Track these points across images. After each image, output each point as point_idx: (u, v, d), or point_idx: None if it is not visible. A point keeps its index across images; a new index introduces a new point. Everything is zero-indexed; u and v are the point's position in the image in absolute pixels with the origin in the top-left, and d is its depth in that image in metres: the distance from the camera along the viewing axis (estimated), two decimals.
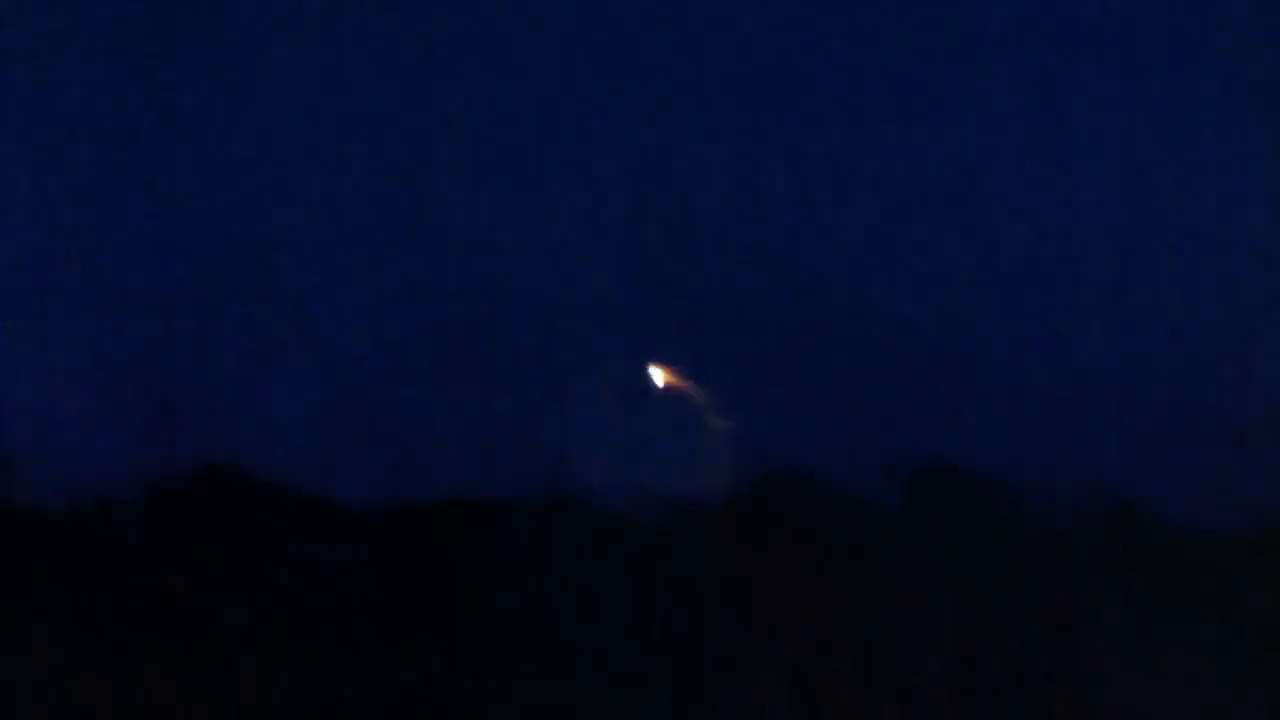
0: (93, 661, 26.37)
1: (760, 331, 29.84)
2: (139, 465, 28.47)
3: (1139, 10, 30.64)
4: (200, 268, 29.29)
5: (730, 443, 28.75)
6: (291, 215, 29.38)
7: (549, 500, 28.23)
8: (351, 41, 30.90)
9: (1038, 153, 30.05)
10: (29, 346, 28.34)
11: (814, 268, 29.68)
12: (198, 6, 30.39)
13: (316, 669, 27.29)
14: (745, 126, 30.41)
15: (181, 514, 28.55)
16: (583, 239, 30.03)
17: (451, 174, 30.51)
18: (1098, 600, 28.57)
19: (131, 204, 29.12)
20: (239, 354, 28.85)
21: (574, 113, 31.30)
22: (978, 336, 29.31)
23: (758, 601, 28.23)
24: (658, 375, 29.35)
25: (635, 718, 27.25)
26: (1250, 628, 27.78)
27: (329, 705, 26.41)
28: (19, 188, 29.36)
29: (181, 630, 27.46)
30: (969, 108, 30.85)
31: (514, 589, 27.22)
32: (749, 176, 29.90)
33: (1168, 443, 28.64)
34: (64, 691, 25.46)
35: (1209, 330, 29.48)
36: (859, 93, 30.57)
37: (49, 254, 28.77)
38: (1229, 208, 29.43)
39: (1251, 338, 28.84)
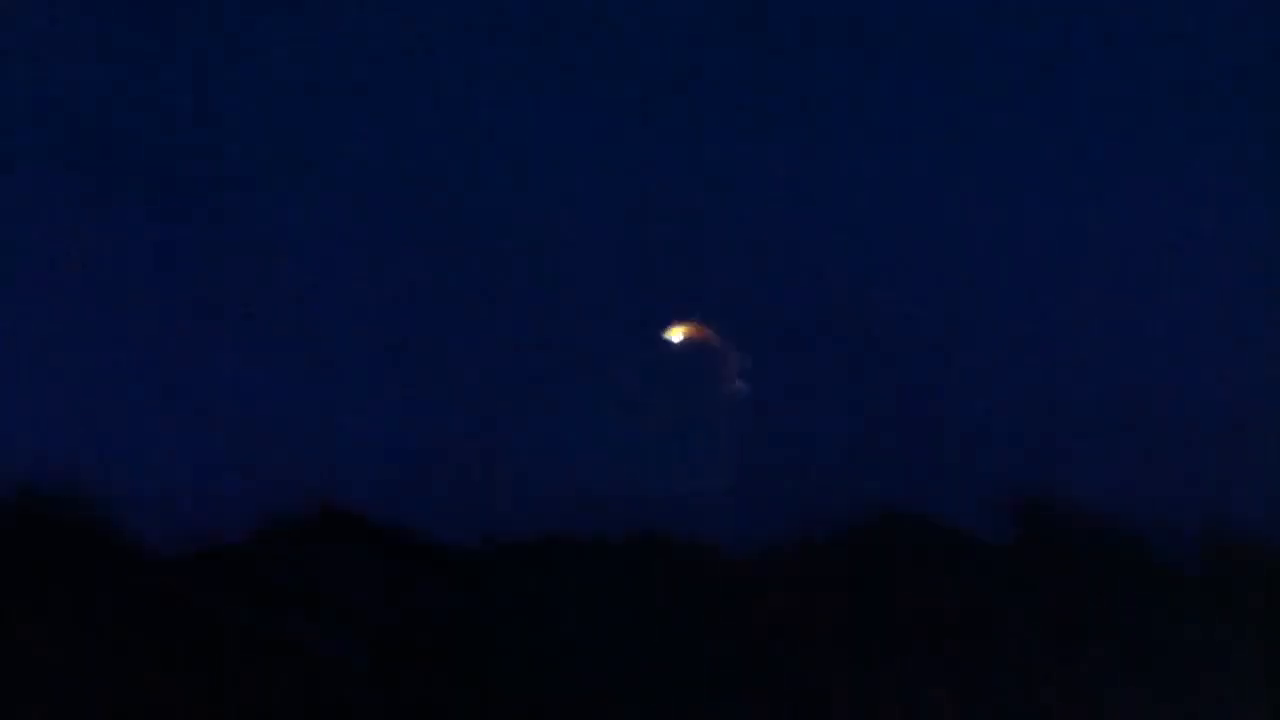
0: (205, 701, 26.86)
1: (858, 365, 29.51)
2: (248, 509, 28.99)
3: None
4: (295, 315, 29.97)
5: (828, 478, 28.34)
6: (365, 266, 30.07)
7: (640, 537, 28.11)
8: None
9: (1129, 188, 29.51)
10: (140, 394, 29.23)
11: (908, 302, 29.40)
12: None
13: (425, 709, 27.45)
14: (821, 173, 30.36)
15: (289, 556, 29.02)
16: (674, 286, 30.16)
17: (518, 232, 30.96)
18: (1224, 642, 27.36)
19: (223, 255, 30.08)
20: (336, 394, 29.41)
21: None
22: (1077, 364, 28.63)
23: (860, 641, 27.65)
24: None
25: None
26: None
27: None
28: (136, 240, 30.40)
29: (291, 671, 27.84)
30: (1054, 146, 30.42)
31: (609, 627, 27.11)
32: (836, 220, 29.82)
33: None
34: None
35: None
36: (948, 123, 30.27)
37: (156, 304, 29.75)
38: None
39: None
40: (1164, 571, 28.13)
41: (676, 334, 30.35)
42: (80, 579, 24.78)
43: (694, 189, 30.42)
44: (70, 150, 30.16)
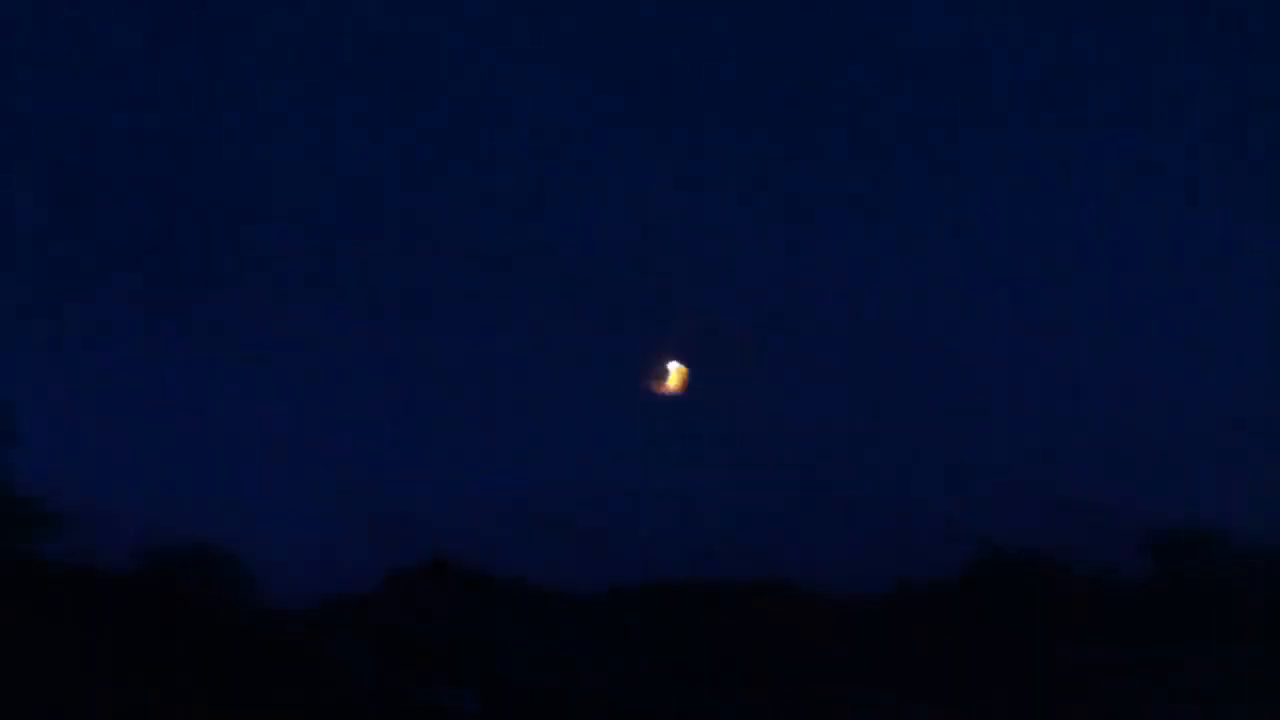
0: None
1: (959, 407, 29.32)
2: (364, 565, 29.18)
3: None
4: (410, 377, 30.62)
5: (950, 521, 27.87)
6: (478, 330, 30.83)
7: (761, 581, 27.75)
8: None
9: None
10: (264, 462, 29.79)
11: (1008, 345, 29.34)
12: None
13: None
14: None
15: (406, 608, 28.99)
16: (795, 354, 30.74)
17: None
18: None
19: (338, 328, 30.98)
20: (447, 454, 29.81)
21: None
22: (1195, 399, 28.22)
23: (990, 684, 26.83)
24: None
25: None
26: None
27: None
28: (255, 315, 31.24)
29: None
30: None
31: (736, 669, 26.67)
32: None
33: None
34: None
35: None
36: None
37: (272, 373, 30.52)
38: None
39: None
40: None
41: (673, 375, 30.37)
42: (210, 637, 24.98)
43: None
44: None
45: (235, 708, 25.56)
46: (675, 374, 30.47)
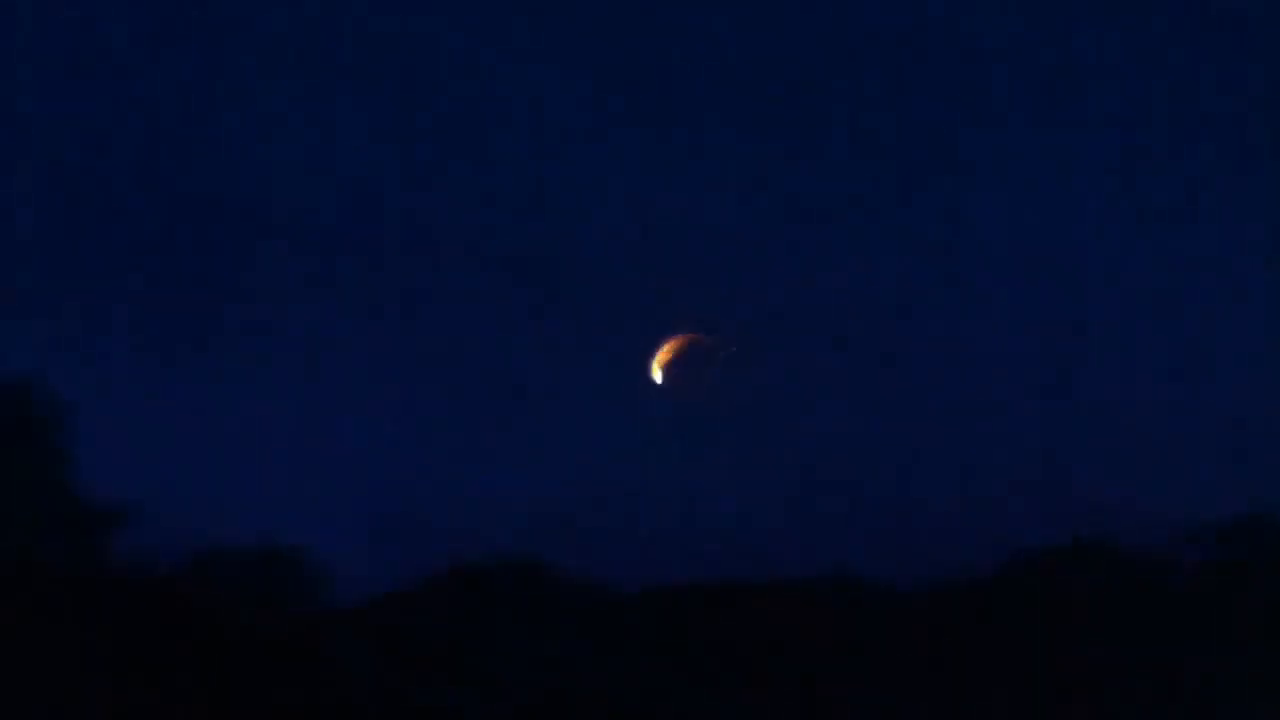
0: None
1: (1021, 396, 29.22)
2: (409, 564, 29.03)
3: None
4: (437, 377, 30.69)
5: (1001, 512, 27.65)
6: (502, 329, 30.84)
7: (818, 578, 27.49)
8: None
9: None
10: (290, 462, 29.66)
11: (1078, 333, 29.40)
12: None
13: None
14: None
15: (422, 611, 28.74)
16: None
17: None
18: None
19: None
20: (461, 453, 29.81)
21: None
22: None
23: (1056, 674, 26.59)
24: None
25: None
26: None
27: None
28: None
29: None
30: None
31: (795, 668, 26.44)
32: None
33: None
34: None
35: None
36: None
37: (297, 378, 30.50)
38: None
39: None
40: None
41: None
42: (235, 639, 24.76)
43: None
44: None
45: (248, 708, 25.30)
46: (674, 363, 30.29)
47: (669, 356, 30.91)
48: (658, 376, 31.13)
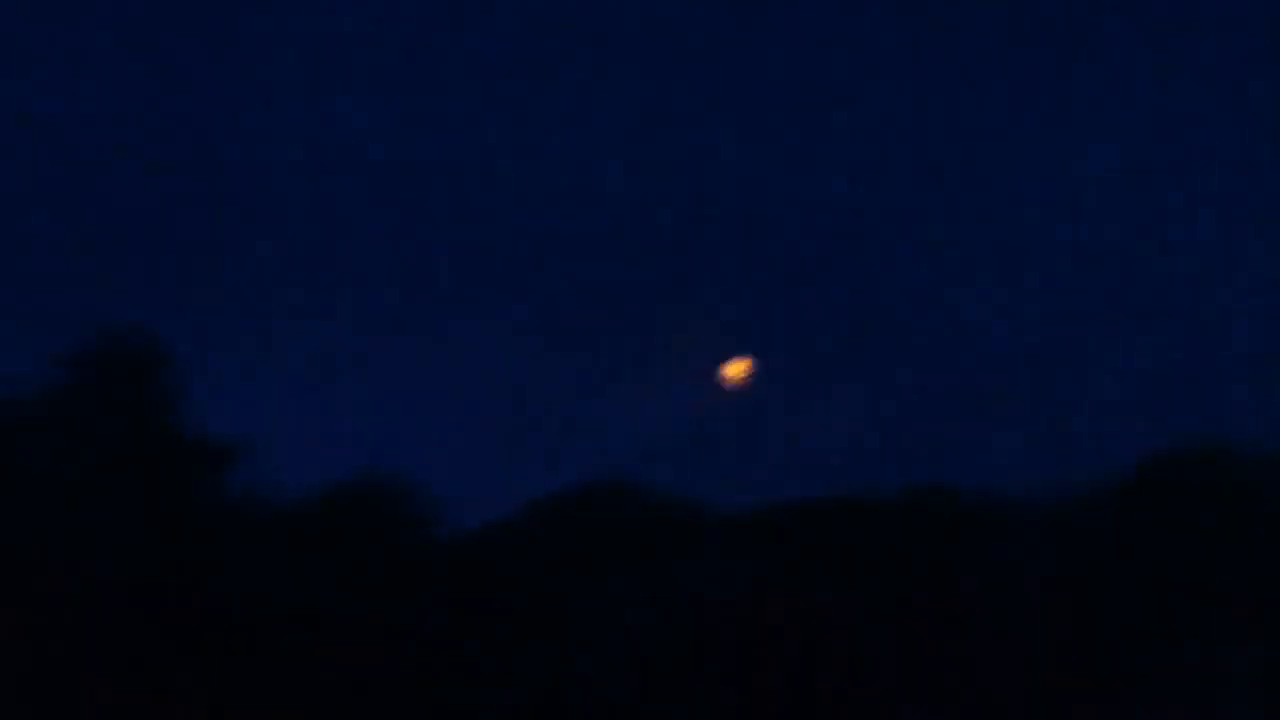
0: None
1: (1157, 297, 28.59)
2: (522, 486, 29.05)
3: None
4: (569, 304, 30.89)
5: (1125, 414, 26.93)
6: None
7: (925, 490, 27.07)
8: None
9: None
10: (419, 375, 29.79)
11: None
12: None
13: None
14: None
15: (568, 531, 28.62)
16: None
17: None
18: None
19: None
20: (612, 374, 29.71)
21: None
22: None
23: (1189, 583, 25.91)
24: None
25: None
26: None
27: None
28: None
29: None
30: None
31: (918, 581, 26.04)
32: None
33: None
34: None
35: None
36: None
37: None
38: None
39: None
40: None
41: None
42: (389, 556, 25.00)
43: None
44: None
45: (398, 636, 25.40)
46: None
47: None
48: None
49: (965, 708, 24.57)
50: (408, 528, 25.17)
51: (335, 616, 22.37)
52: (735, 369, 29.43)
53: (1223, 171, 31.15)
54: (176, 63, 33.16)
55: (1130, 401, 27.48)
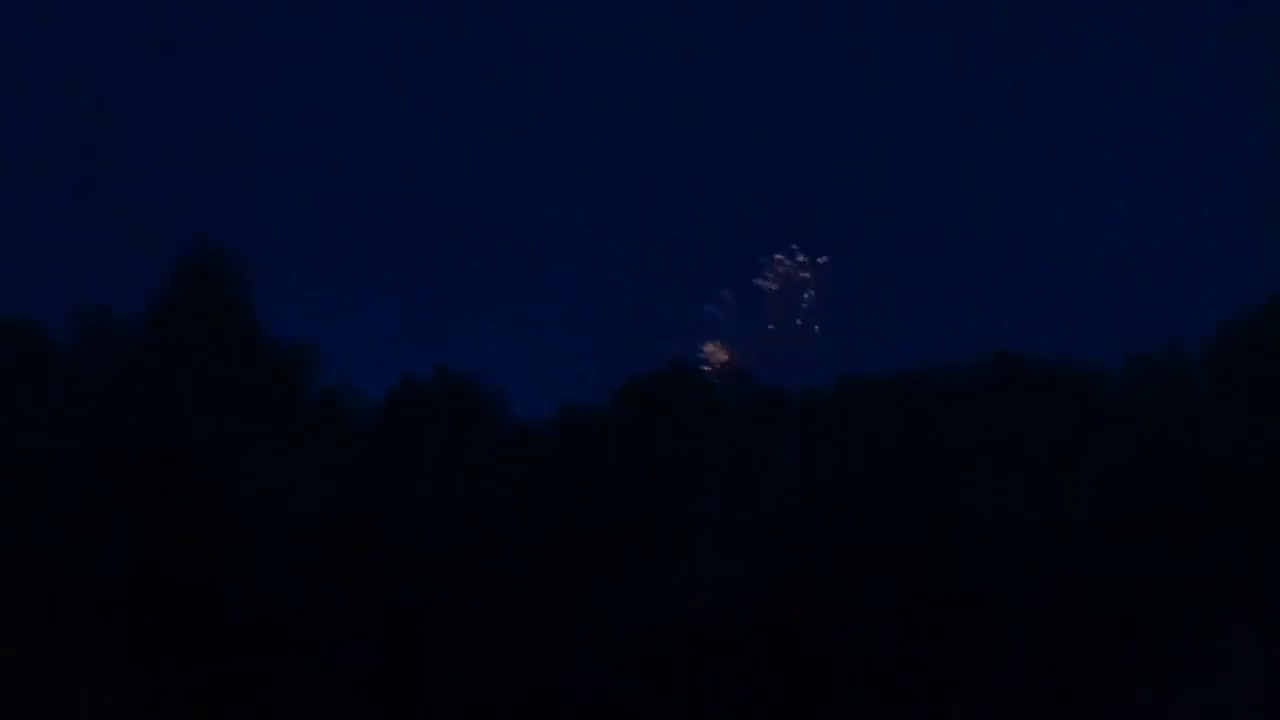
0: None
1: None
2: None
3: None
4: None
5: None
6: None
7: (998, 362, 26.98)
8: None
9: None
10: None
11: None
12: None
13: None
14: None
15: (646, 418, 28.93)
16: None
17: None
18: None
19: None
20: None
21: None
22: None
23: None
24: None
25: None
26: None
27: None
28: None
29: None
30: None
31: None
32: None
33: None
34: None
35: None
36: None
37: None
38: None
39: None
40: None
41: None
42: (469, 444, 25.67)
43: None
44: None
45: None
46: None
47: None
48: None
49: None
50: (485, 421, 25.85)
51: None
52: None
53: None
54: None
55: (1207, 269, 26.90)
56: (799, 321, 46.94)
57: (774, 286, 46.33)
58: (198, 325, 24.15)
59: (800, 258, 48.01)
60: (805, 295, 46.90)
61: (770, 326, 44.62)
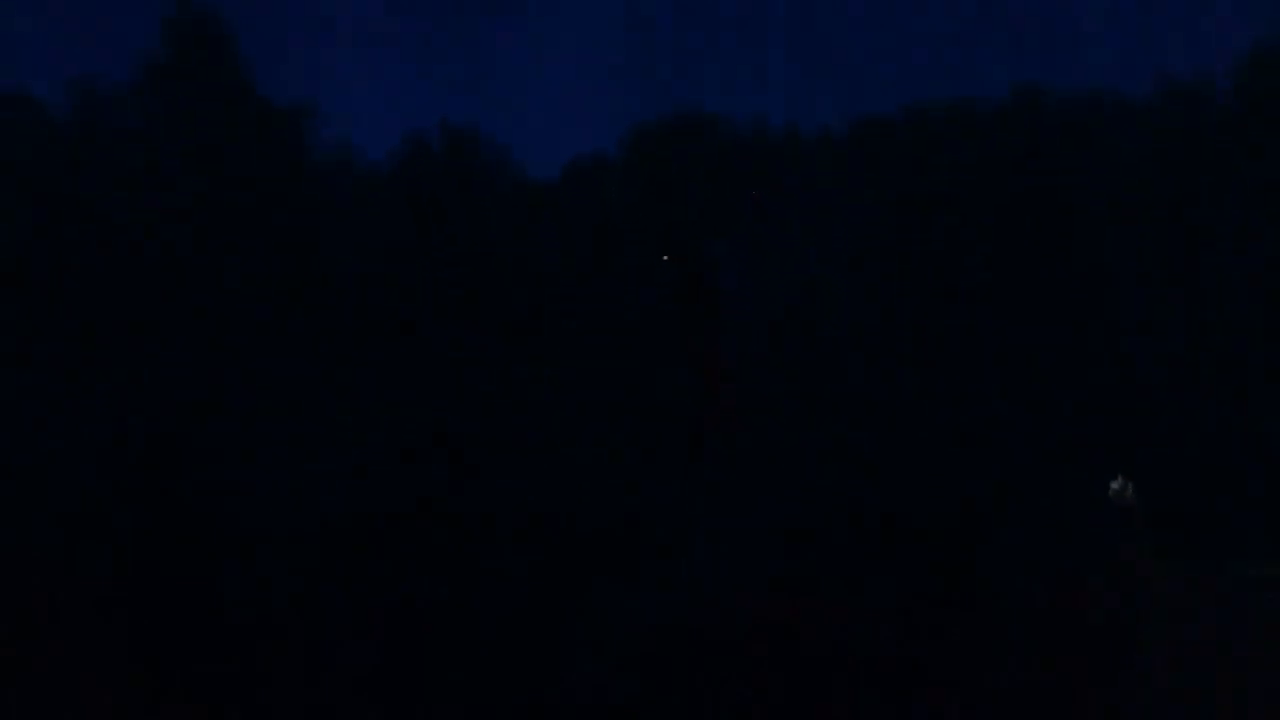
0: None
1: None
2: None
3: None
4: None
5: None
6: None
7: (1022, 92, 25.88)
8: None
9: None
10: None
11: None
12: None
13: None
14: None
15: (655, 164, 28.52)
16: None
17: None
18: None
19: None
20: None
21: None
22: None
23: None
24: None
25: None
26: None
27: None
28: None
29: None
30: None
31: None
32: None
33: None
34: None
35: None
36: None
37: None
38: None
39: None
40: None
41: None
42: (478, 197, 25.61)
43: None
44: None
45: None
46: None
47: None
48: None
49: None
50: (488, 175, 25.53)
51: None
52: None
53: None
54: None
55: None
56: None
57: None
58: (190, 89, 23.91)
59: None
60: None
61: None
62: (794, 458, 21.96)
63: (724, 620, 7.80)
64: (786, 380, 25.22)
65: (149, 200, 22.60)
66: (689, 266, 25.37)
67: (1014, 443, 23.19)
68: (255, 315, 22.52)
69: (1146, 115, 25.79)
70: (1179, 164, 25.22)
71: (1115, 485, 13.67)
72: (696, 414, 22.62)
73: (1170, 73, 25.37)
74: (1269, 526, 15.75)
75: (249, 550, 10.10)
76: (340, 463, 19.23)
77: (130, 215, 22.32)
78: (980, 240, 25.83)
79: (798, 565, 8.87)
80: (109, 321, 21.72)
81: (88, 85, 24.19)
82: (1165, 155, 25.38)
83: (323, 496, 13.67)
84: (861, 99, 26.28)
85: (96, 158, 23.09)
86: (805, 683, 6.51)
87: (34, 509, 12.92)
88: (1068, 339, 25.39)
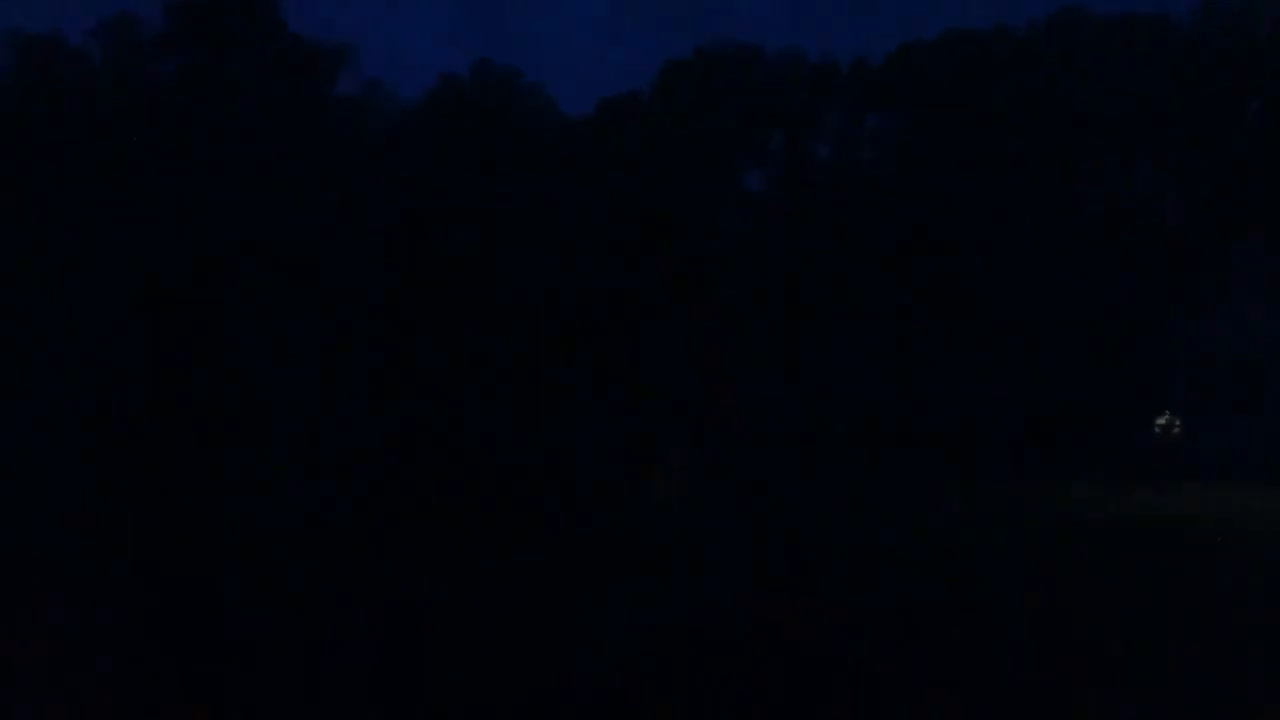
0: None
1: None
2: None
3: None
4: None
5: None
6: None
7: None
8: None
9: None
10: None
11: None
12: None
13: None
14: None
15: (687, 98, 28.30)
16: None
17: None
18: None
19: None
20: None
21: None
22: None
23: None
24: None
25: None
26: None
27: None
28: None
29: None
30: None
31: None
32: None
33: None
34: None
35: None
36: None
37: None
38: None
39: None
40: None
41: None
42: (516, 137, 25.36)
43: None
44: None
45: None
46: None
47: None
48: None
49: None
50: (525, 113, 25.32)
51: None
52: None
53: None
54: None
55: None
56: None
57: None
58: (220, 29, 23.70)
59: None
60: None
61: None
62: None
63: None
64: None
65: (179, 150, 22.48)
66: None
67: None
68: (274, 287, 22.03)
69: (1182, 35, 25.39)
70: (1221, 84, 24.82)
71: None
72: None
73: None
74: None
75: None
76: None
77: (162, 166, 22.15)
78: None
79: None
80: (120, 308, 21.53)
81: (121, 24, 24.03)
82: (1204, 75, 24.99)
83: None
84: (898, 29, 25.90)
85: (127, 102, 22.92)
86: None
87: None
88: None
